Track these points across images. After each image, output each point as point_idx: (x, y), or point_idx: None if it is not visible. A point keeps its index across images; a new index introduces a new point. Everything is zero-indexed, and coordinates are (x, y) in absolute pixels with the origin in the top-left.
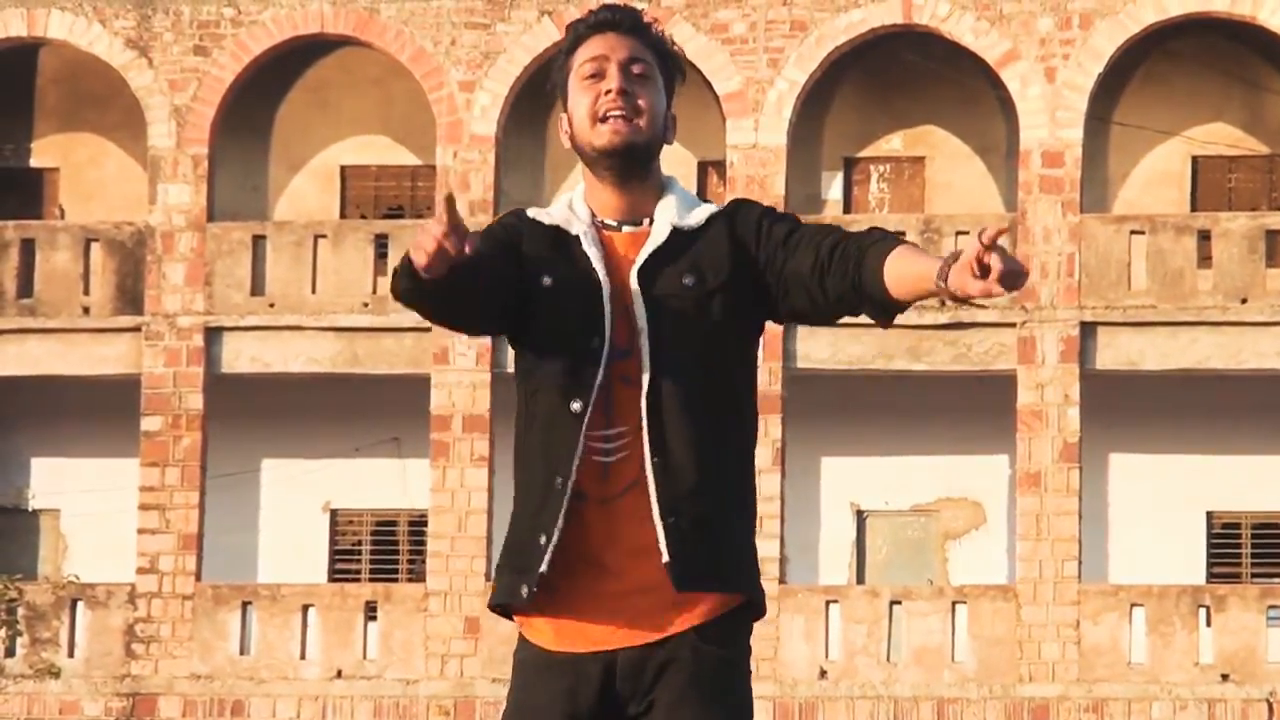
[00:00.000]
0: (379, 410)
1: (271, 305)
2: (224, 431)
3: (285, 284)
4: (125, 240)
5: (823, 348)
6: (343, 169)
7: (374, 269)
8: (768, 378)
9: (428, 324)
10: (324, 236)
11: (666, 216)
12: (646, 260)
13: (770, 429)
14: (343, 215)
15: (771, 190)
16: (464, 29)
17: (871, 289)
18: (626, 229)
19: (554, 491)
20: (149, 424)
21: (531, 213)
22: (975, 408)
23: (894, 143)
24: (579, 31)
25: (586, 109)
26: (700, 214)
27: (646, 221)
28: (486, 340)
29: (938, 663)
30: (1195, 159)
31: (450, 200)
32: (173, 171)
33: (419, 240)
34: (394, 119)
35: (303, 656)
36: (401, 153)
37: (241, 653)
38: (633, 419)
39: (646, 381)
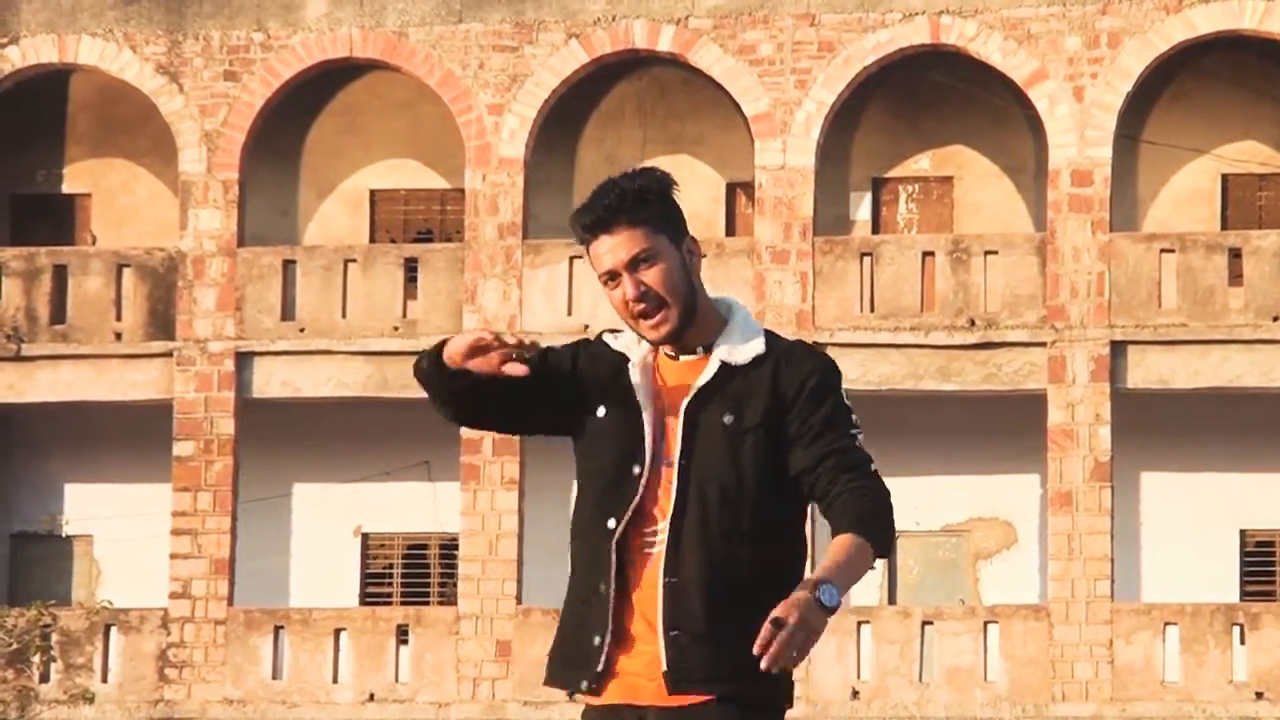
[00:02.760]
0: (409, 434)
1: (302, 330)
2: (255, 456)
3: (315, 308)
4: (156, 266)
5: (853, 368)
6: (372, 193)
7: (404, 293)
8: None
9: None
10: (354, 261)
11: (720, 353)
12: (694, 396)
13: None
14: (372, 239)
15: (800, 211)
16: (492, 52)
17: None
18: (684, 358)
19: (598, 595)
20: (181, 449)
21: (607, 336)
22: (1006, 427)
23: (922, 163)
24: (580, 236)
25: (621, 310)
26: (751, 349)
27: (702, 350)
28: None
29: (970, 683)
30: (1225, 177)
31: (523, 344)
32: (203, 197)
33: (466, 337)
34: (423, 142)
35: (335, 680)
36: (430, 176)
37: (274, 677)
38: (667, 517)
39: (672, 507)
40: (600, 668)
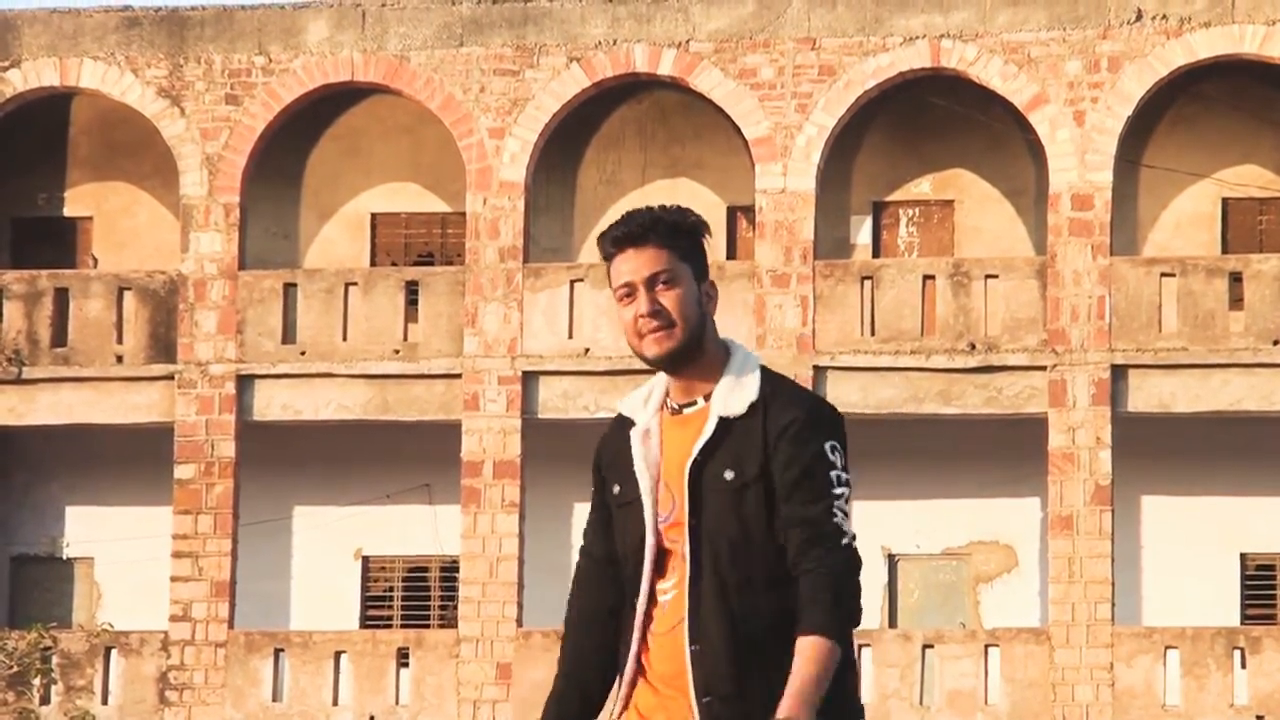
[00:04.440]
0: (410, 457)
1: (303, 353)
2: (256, 479)
3: (316, 331)
4: (158, 289)
5: (853, 391)
6: (373, 216)
7: (405, 316)
8: None
9: (458, 370)
10: (355, 284)
11: (717, 407)
12: (696, 457)
13: None
14: (373, 263)
15: (801, 235)
16: (493, 76)
17: None
18: (686, 410)
19: (614, 668)
20: (182, 472)
21: (619, 404)
22: (1006, 451)
23: (923, 186)
24: (606, 250)
25: (630, 328)
26: (745, 398)
27: (702, 400)
28: (517, 386)
29: (971, 706)
30: (1226, 201)
31: None
32: (204, 220)
33: None
34: (424, 166)
35: (335, 703)
36: (431, 200)
37: (274, 699)
38: (679, 568)
39: (688, 569)
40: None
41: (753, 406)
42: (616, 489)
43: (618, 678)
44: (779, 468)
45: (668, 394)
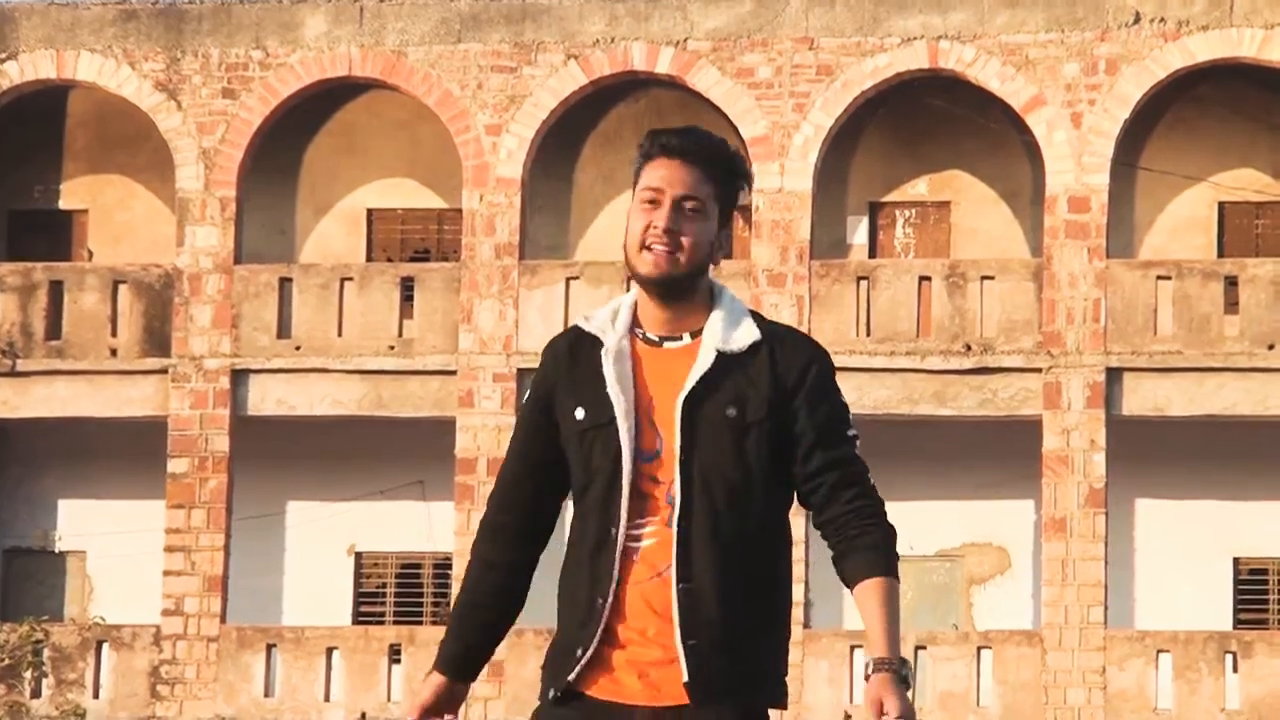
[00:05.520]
0: (404, 453)
1: (298, 348)
2: (249, 474)
3: (311, 326)
4: (153, 282)
5: (848, 392)
6: (369, 212)
7: (400, 312)
8: None
9: (453, 367)
10: (350, 279)
11: (712, 340)
12: (695, 388)
13: None
14: (369, 258)
15: (797, 235)
16: (490, 72)
17: (844, 580)
18: (669, 344)
19: (595, 610)
20: (175, 466)
21: (580, 321)
22: (1001, 453)
23: (919, 187)
24: (650, 149)
25: (637, 234)
26: (745, 335)
27: (688, 336)
28: (512, 384)
29: (962, 708)
30: (1222, 204)
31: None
32: (200, 214)
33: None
34: (420, 162)
35: (327, 699)
36: (428, 196)
37: (266, 695)
38: (658, 512)
39: (678, 505)
40: (587, 660)
41: (754, 345)
42: (580, 413)
43: (578, 628)
44: (802, 413)
45: (637, 322)
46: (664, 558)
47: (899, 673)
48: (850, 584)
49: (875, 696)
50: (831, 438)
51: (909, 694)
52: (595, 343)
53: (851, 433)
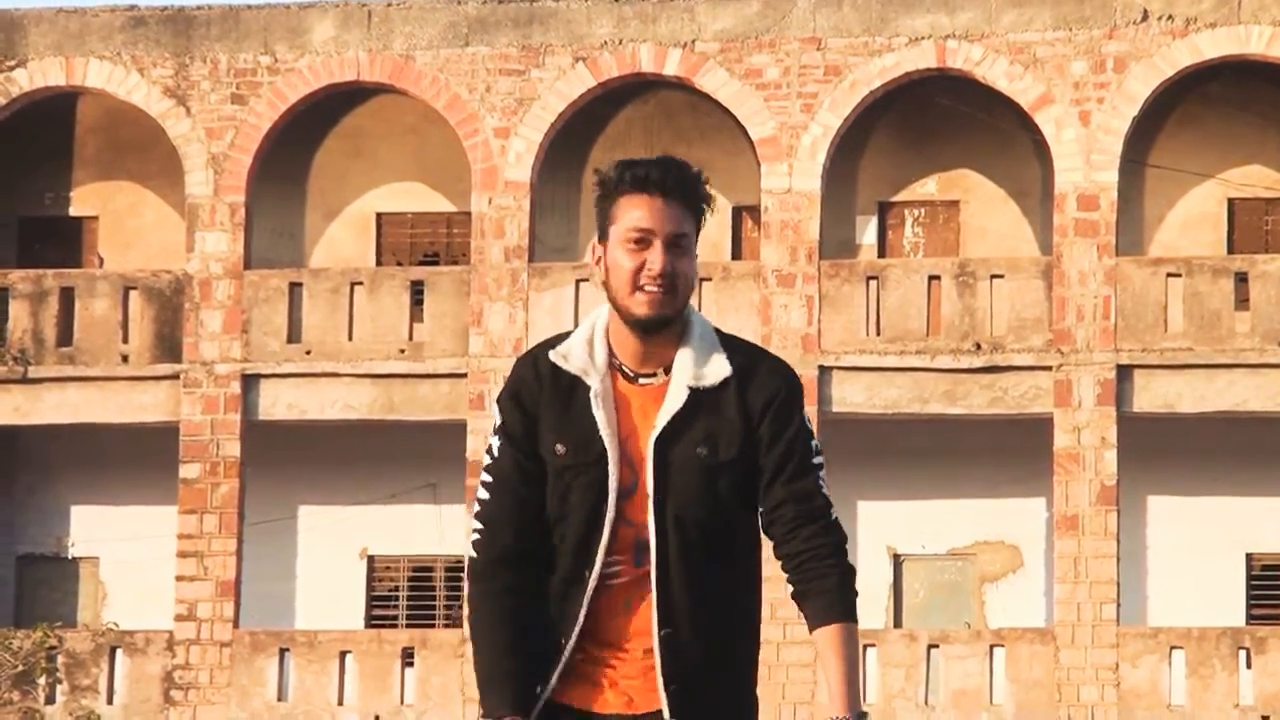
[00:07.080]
0: (415, 457)
1: (308, 352)
2: (261, 478)
3: (322, 331)
4: (163, 288)
5: (858, 392)
6: (379, 216)
7: (410, 316)
8: None
9: (463, 370)
10: (360, 284)
11: (683, 376)
12: (665, 429)
13: None
14: (379, 262)
15: (806, 235)
16: (499, 76)
17: (805, 618)
18: (643, 381)
19: (558, 648)
20: (187, 471)
21: (553, 356)
22: (1012, 451)
23: (928, 187)
24: (623, 183)
25: (628, 275)
26: (716, 371)
27: (662, 372)
28: None
29: (976, 706)
30: (1232, 201)
31: None
32: (210, 219)
33: None
34: (429, 166)
35: (340, 703)
36: (437, 199)
37: (279, 699)
38: (628, 551)
39: (654, 549)
40: (547, 697)
41: (726, 381)
42: (561, 448)
43: (539, 661)
44: (764, 445)
45: (612, 352)
46: (637, 595)
47: None
48: (810, 626)
49: None
50: (794, 470)
51: None
52: (575, 380)
53: (816, 461)
